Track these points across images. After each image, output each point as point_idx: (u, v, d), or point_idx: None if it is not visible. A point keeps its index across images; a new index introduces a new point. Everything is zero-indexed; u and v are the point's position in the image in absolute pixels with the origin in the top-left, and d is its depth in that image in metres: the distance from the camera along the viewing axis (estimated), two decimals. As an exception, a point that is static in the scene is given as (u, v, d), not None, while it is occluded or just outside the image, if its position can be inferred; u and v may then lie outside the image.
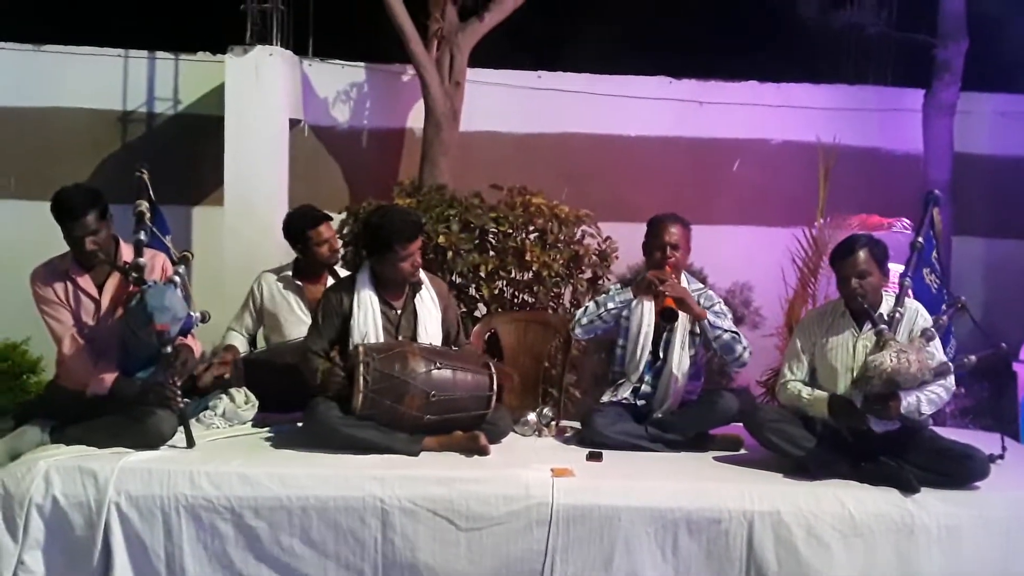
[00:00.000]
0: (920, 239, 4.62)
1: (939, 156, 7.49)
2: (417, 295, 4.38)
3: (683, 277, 4.55)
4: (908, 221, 6.38)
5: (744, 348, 4.42)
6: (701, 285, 4.67)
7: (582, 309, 4.60)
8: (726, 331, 4.39)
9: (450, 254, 5.60)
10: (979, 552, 3.66)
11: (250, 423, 4.43)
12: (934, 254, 5.05)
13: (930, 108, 7.57)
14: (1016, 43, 7.79)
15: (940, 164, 7.47)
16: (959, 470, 3.83)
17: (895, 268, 4.44)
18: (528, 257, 5.71)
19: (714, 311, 4.47)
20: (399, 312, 4.34)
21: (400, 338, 4.29)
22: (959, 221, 7.53)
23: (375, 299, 4.28)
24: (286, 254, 5.27)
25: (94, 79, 7.64)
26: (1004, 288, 7.70)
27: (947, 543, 3.67)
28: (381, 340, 4.22)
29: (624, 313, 4.53)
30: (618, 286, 4.62)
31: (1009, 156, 8.00)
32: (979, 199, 7.83)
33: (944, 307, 4.72)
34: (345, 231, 6.00)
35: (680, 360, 4.46)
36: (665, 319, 4.30)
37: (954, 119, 7.52)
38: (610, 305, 4.50)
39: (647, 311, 4.49)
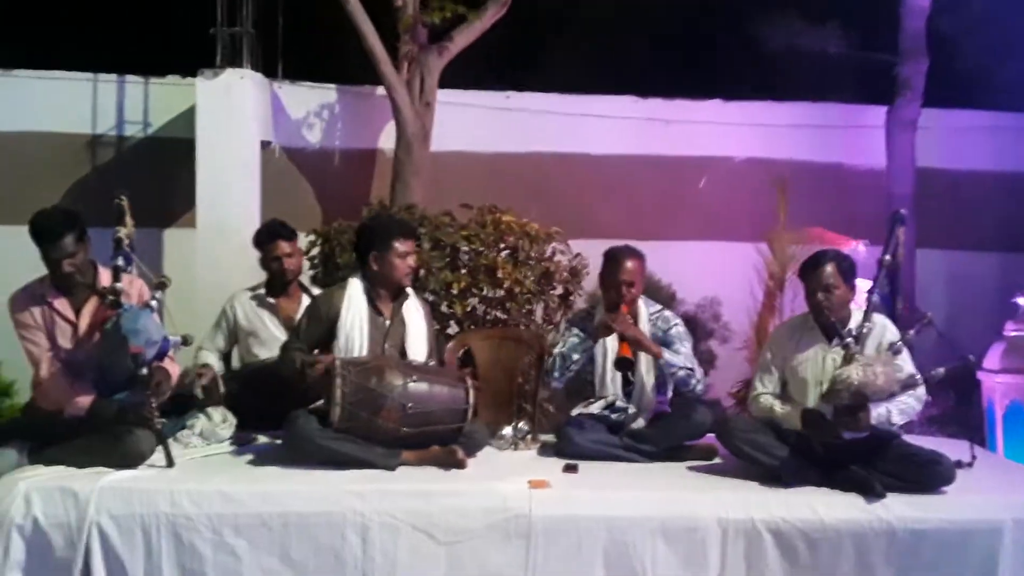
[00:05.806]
0: (888, 256, 4.69)
1: (902, 171, 7.63)
2: (405, 305, 4.45)
3: (641, 302, 4.63)
4: (866, 242, 6.50)
5: (697, 381, 4.53)
6: (659, 307, 4.73)
7: (550, 361, 4.68)
8: (680, 368, 4.50)
9: (422, 272, 5.63)
10: (942, 554, 3.72)
11: (228, 441, 4.44)
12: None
13: (892, 124, 7.71)
14: (973, 62, 7.97)
15: (903, 179, 7.61)
16: (926, 476, 3.88)
17: (862, 284, 4.51)
18: (500, 274, 5.75)
19: (671, 336, 4.58)
20: (388, 322, 4.40)
21: (387, 346, 4.34)
22: (921, 234, 7.65)
23: (365, 304, 4.35)
24: (259, 275, 5.30)
25: (63, 103, 7.64)
26: (965, 299, 7.83)
27: (911, 545, 3.72)
28: (366, 346, 4.27)
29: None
30: (575, 333, 4.65)
31: (967, 170, 8.17)
32: (940, 213, 7.95)
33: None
34: (314, 252, 6.02)
35: (648, 379, 4.54)
36: (620, 368, 4.43)
37: (915, 135, 7.65)
38: (575, 356, 4.59)
39: (611, 346, 4.55)
